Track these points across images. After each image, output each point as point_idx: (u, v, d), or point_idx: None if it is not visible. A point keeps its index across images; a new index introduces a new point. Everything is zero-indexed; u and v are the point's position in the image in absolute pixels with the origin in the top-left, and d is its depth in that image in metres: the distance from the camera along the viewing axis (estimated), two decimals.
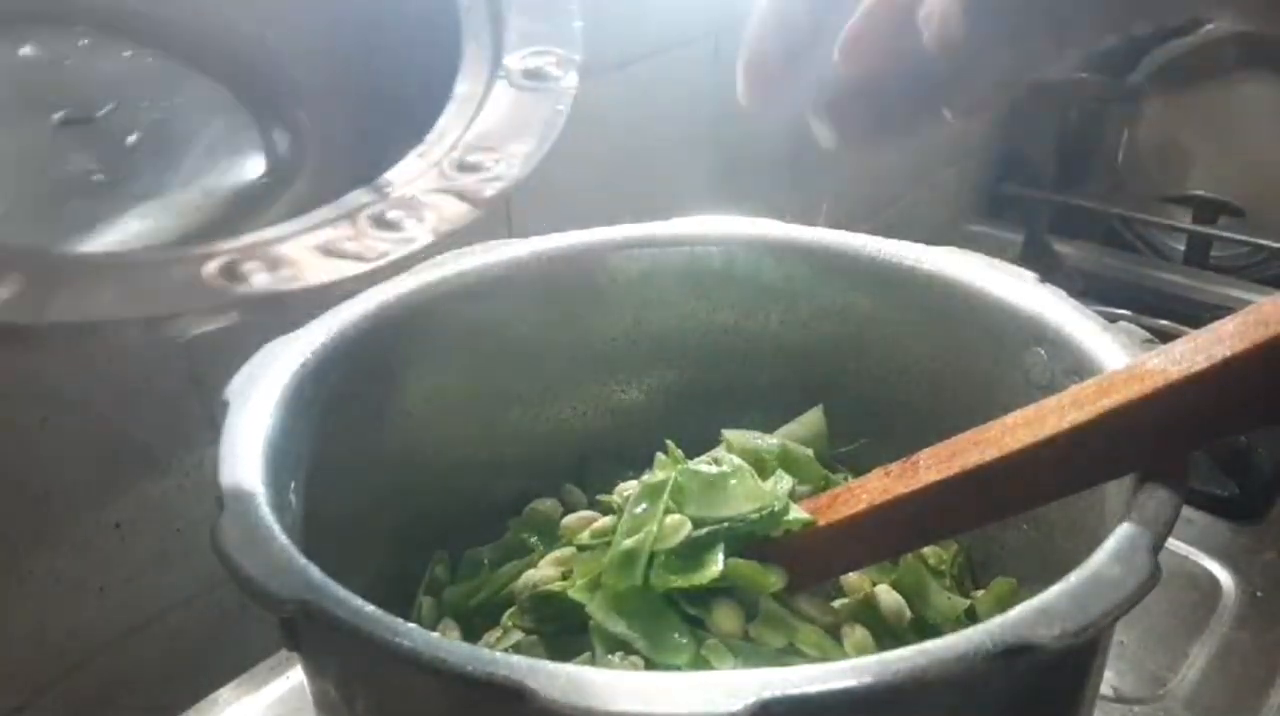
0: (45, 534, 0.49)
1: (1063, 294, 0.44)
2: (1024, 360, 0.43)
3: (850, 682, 0.26)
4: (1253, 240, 1.01)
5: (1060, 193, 1.08)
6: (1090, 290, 0.91)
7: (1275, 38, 1.00)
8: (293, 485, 0.36)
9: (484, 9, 0.36)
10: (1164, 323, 0.84)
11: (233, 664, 0.55)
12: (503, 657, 0.27)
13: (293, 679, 0.54)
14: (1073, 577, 0.29)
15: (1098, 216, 1.09)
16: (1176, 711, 0.52)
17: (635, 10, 0.68)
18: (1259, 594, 0.59)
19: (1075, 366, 0.40)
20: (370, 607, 0.29)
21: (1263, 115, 1.05)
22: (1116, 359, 0.39)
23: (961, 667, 0.27)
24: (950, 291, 0.46)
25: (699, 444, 0.47)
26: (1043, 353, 0.43)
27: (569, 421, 0.51)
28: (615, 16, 0.66)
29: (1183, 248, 1.05)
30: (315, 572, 0.30)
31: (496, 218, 0.59)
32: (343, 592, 0.29)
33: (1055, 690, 0.33)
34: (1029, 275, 0.45)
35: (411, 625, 0.28)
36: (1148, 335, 0.40)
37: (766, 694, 0.25)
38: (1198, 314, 0.89)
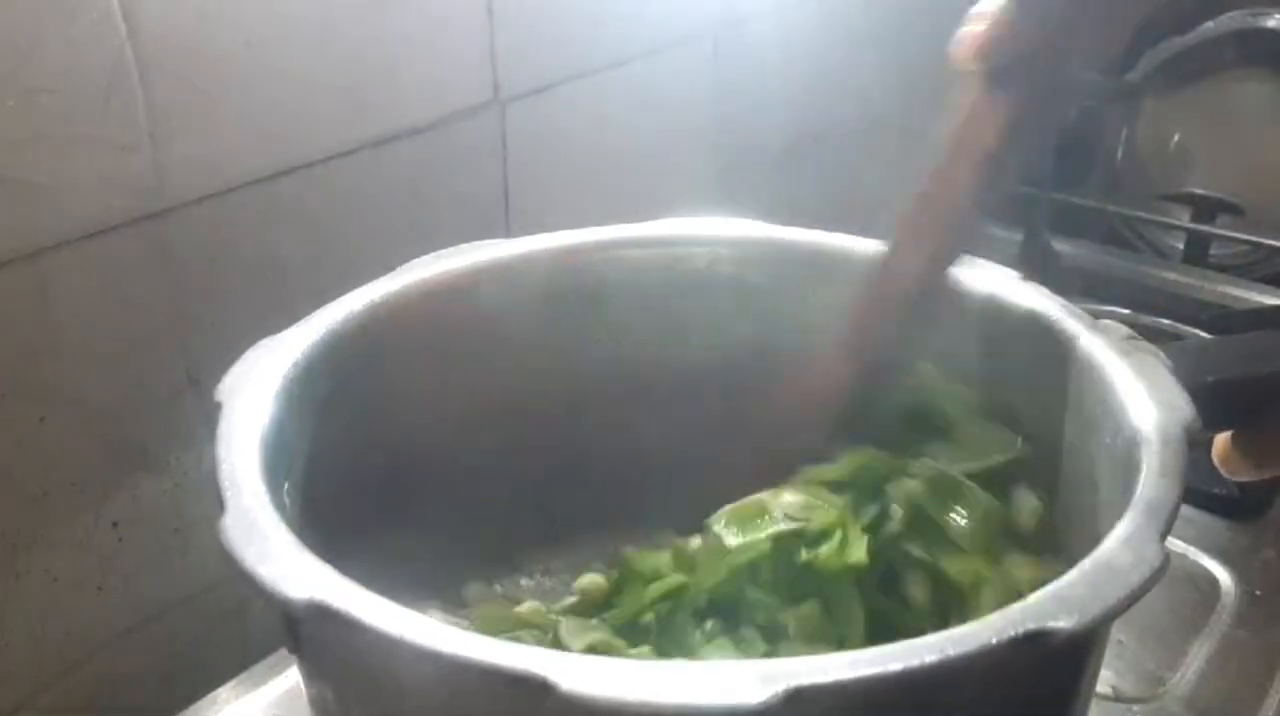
0: (43, 533, 0.49)
1: (1047, 291, 0.44)
2: None
3: (879, 669, 0.26)
4: (1251, 238, 1.01)
5: (1059, 191, 1.07)
6: (1089, 288, 0.91)
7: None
8: (286, 486, 0.36)
9: None
10: (1163, 321, 0.84)
11: (232, 663, 0.55)
12: (525, 650, 0.27)
13: (292, 678, 0.54)
14: (1086, 565, 0.30)
15: (1097, 215, 1.09)
16: (1175, 710, 0.52)
17: (634, 9, 0.68)
18: (1258, 593, 0.59)
19: (1063, 364, 0.41)
20: (388, 602, 0.28)
21: (1262, 114, 1.05)
22: (1106, 356, 0.39)
23: (987, 654, 0.27)
24: None
25: (696, 441, 0.47)
26: None
27: (564, 420, 0.51)
28: (614, 16, 0.66)
29: (1182, 246, 1.05)
30: (327, 570, 0.30)
31: (494, 216, 0.60)
32: (357, 588, 0.29)
33: (1058, 679, 0.33)
34: (1013, 273, 0.45)
35: (431, 619, 0.28)
36: (1130, 331, 0.40)
37: (796, 682, 0.25)
38: (1197, 312, 0.89)
